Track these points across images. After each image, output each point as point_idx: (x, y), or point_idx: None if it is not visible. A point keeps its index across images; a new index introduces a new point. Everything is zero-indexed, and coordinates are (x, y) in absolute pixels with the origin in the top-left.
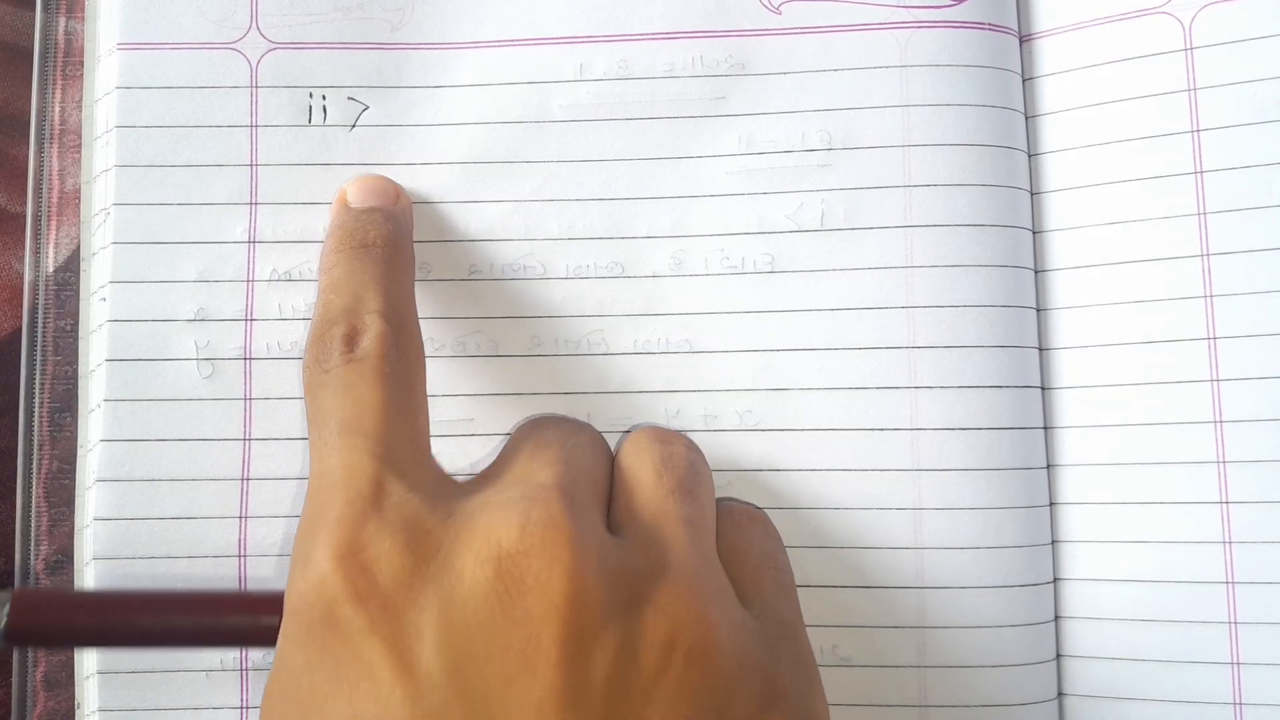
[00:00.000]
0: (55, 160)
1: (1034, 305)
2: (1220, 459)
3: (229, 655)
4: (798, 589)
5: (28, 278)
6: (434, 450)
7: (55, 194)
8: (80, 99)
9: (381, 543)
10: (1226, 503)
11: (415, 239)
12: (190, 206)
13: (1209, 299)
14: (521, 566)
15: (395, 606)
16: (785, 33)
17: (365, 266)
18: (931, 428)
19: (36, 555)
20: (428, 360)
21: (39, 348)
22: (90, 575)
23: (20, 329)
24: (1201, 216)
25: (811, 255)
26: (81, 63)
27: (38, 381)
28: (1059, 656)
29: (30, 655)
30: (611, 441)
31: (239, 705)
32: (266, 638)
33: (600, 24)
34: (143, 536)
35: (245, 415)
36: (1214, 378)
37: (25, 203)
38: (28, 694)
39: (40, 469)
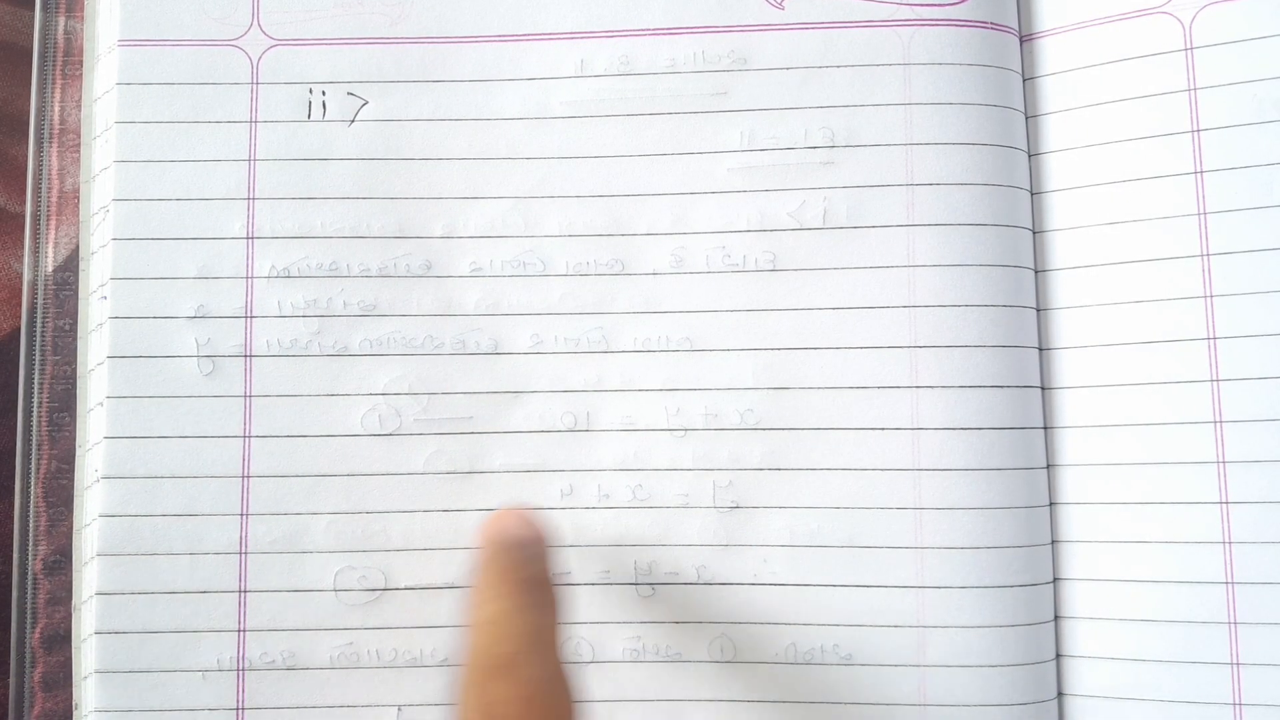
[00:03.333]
0: (55, 159)
1: (1034, 305)
2: (1220, 459)
3: (226, 655)
4: (798, 588)
5: (27, 277)
6: (436, 449)
7: (54, 193)
8: (80, 98)
9: None
10: (1226, 503)
11: (410, 235)
12: (189, 202)
13: (1209, 299)
14: None
15: None
16: (788, 28)
17: (521, 606)
18: (932, 427)
19: (35, 555)
20: (428, 356)
21: (38, 347)
22: (92, 572)
23: (19, 329)
24: (1201, 216)
25: (813, 253)
26: (81, 62)
27: (37, 381)
28: (1059, 656)
29: (28, 655)
30: (611, 437)
31: (235, 706)
32: None
33: (601, 19)
34: (145, 533)
35: (246, 412)
36: (1214, 378)
37: (25, 202)
38: (25, 694)
39: (39, 469)
